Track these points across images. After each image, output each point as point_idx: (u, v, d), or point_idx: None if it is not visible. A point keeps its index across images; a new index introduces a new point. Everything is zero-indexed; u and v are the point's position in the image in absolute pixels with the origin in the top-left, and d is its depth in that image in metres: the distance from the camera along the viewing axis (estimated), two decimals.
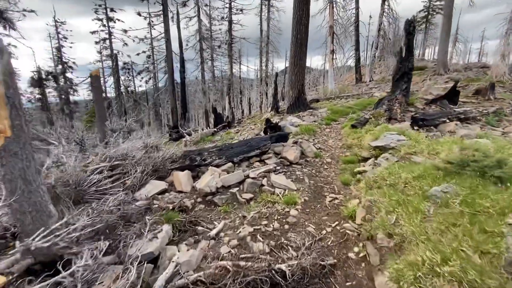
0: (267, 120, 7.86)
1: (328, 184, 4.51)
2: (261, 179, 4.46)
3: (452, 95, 8.59)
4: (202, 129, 16.99)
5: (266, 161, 5.18)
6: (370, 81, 24.47)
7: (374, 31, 26.96)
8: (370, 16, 32.08)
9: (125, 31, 23.58)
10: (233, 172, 4.88)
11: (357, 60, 25.08)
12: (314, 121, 9.21)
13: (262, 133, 8.21)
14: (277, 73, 17.10)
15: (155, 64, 30.32)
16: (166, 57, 20.34)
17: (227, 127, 18.18)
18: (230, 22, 27.60)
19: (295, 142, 6.76)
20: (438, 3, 34.47)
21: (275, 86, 17.01)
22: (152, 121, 27.74)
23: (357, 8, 25.15)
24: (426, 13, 36.12)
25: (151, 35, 29.48)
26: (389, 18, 25.17)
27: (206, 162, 4.98)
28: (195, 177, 5.03)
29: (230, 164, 4.99)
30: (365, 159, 5.18)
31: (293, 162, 5.27)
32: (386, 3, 24.86)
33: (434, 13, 35.29)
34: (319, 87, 27.92)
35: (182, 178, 4.53)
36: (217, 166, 4.98)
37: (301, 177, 4.74)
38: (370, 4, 54.15)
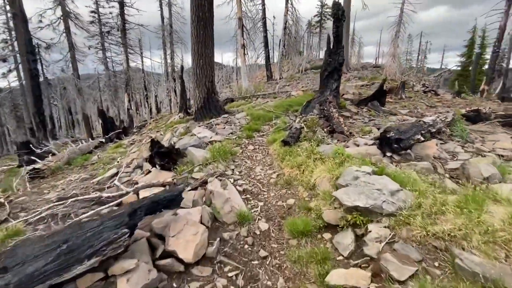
0: (154, 143, 4.43)
1: None
2: None
3: (379, 95, 7.22)
4: (78, 142, 11.70)
5: (120, 281, 1.90)
6: (280, 78, 23.51)
7: (279, 30, 26.32)
8: (274, 17, 31.42)
9: None
10: None
11: (267, 57, 23.66)
12: (232, 133, 6.30)
13: (148, 164, 4.72)
14: (182, 66, 13.35)
15: (16, 50, 21.11)
16: (16, 39, 13.41)
17: (122, 135, 13.40)
18: (122, 3, 21.47)
19: (203, 184, 3.67)
20: (329, 10, 36.99)
21: (181, 82, 13.29)
22: (14, 130, 19.21)
23: (263, 4, 23.51)
24: (320, 18, 38.41)
25: (6, 11, 20.18)
26: (293, 17, 24.69)
27: None
28: None
29: None
30: (331, 227, 2.58)
31: (192, 262, 2.19)
32: (290, 2, 24.22)
33: (326, 19, 37.86)
34: (233, 84, 25.42)
35: None
36: None
37: None
38: (274, 5, 55.06)
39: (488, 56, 18.52)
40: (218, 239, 2.55)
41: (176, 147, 4.87)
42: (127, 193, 4.15)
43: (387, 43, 15.14)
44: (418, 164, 2.96)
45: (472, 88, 16.99)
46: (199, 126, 6.68)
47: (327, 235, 2.55)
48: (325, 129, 4.87)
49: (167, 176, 4.28)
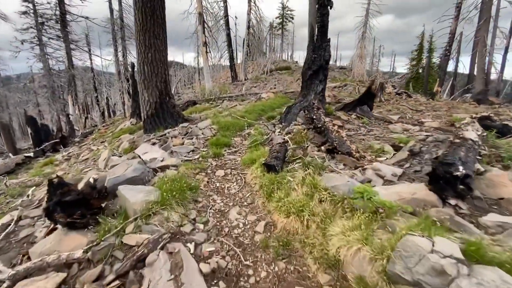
0: (52, 187, 2.50)
1: None
2: None
3: (366, 99, 6.11)
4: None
5: None
6: (245, 79, 22.00)
7: (242, 30, 24.87)
8: (236, 17, 29.76)
9: None
10: None
11: (231, 57, 21.90)
12: (193, 151, 4.52)
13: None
14: (134, 64, 10.94)
15: None
16: None
17: (60, 146, 10.55)
18: None
19: (137, 264, 1.93)
20: (289, 12, 36.52)
21: (133, 82, 10.92)
22: None
23: (225, 1, 21.69)
24: (281, 20, 37.70)
25: None
26: (256, 16, 23.33)
27: None
28: None
29: None
30: None
31: None
32: (253, 0, 22.81)
33: (287, 21, 37.32)
34: (195, 85, 23.16)
35: None
36: None
37: None
38: (237, 4, 53.20)
39: (435, 60, 19.29)
40: None
41: (104, 184, 2.96)
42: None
43: (347, 47, 14.56)
44: (509, 222, 1.67)
45: (425, 90, 17.52)
46: (147, 142, 4.74)
47: None
48: (322, 147, 3.43)
49: (78, 242, 2.41)
